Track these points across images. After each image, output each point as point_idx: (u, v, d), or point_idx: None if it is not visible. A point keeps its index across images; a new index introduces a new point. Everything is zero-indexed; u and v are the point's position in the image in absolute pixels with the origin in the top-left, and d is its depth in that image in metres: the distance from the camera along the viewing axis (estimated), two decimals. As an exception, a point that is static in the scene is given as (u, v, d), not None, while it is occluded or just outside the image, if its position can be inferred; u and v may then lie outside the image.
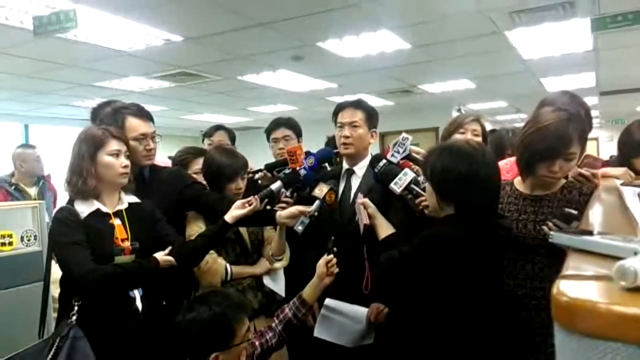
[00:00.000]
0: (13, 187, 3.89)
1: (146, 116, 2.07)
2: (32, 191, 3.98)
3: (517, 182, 1.85)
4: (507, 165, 2.11)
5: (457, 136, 2.23)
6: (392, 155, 2.03)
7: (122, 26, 3.84)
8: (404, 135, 2.05)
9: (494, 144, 2.72)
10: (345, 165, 2.23)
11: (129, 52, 4.57)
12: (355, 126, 2.12)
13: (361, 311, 2.01)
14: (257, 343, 1.78)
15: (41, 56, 4.58)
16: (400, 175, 1.92)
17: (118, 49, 4.45)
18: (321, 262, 1.86)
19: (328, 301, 2.03)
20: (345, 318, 2.02)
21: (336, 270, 1.85)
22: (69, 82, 5.71)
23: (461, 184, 1.54)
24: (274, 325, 1.85)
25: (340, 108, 2.20)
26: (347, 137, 2.12)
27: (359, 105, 2.17)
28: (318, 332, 2.05)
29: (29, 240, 2.51)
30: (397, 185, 1.91)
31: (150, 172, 2.14)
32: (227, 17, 3.77)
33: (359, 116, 2.14)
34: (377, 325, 2.00)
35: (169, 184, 2.12)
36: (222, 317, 1.58)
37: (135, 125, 2.01)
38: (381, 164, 2.00)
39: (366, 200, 1.95)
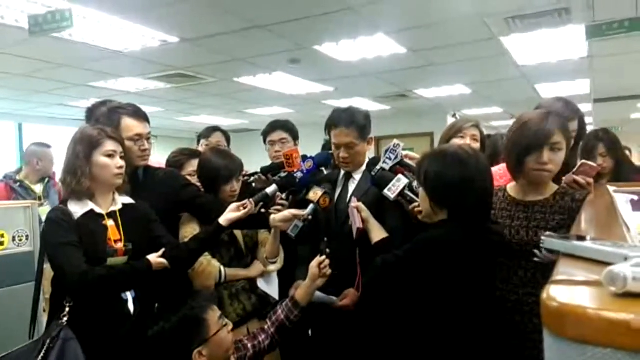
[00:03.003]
0: (18, 183, 3.84)
1: (142, 117, 2.06)
2: (38, 188, 3.92)
3: (510, 188, 1.85)
4: (501, 171, 2.11)
5: (456, 141, 2.23)
6: (384, 162, 2.03)
7: (119, 26, 3.83)
8: (395, 142, 2.04)
9: (489, 149, 2.73)
10: (343, 170, 2.23)
11: (125, 53, 4.55)
12: (350, 147, 2.08)
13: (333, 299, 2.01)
14: (249, 345, 1.77)
15: (36, 55, 4.56)
16: (394, 181, 1.92)
17: (114, 50, 4.44)
18: (314, 264, 1.85)
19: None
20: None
21: (329, 271, 1.85)
22: (64, 82, 5.69)
23: (454, 190, 1.55)
24: (266, 327, 1.84)
25: (332, 125, 2.10)
26: (345, 157, 2.10)
27: (351, 122, 2.06)
28: None
29: (20, 240, 2.49)
30: (391, 191, 1.91)
31: (145, 173, 2.13)
32: (223, 19, 3.77)
33: (353, 135, 2.06)
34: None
35: (163, 185, 2.12)
36: (190, 315, 1.59)
37: (131, 125, 2.00)
38: (378, 167, 2.01)
39: (360, 204, 1.95)
